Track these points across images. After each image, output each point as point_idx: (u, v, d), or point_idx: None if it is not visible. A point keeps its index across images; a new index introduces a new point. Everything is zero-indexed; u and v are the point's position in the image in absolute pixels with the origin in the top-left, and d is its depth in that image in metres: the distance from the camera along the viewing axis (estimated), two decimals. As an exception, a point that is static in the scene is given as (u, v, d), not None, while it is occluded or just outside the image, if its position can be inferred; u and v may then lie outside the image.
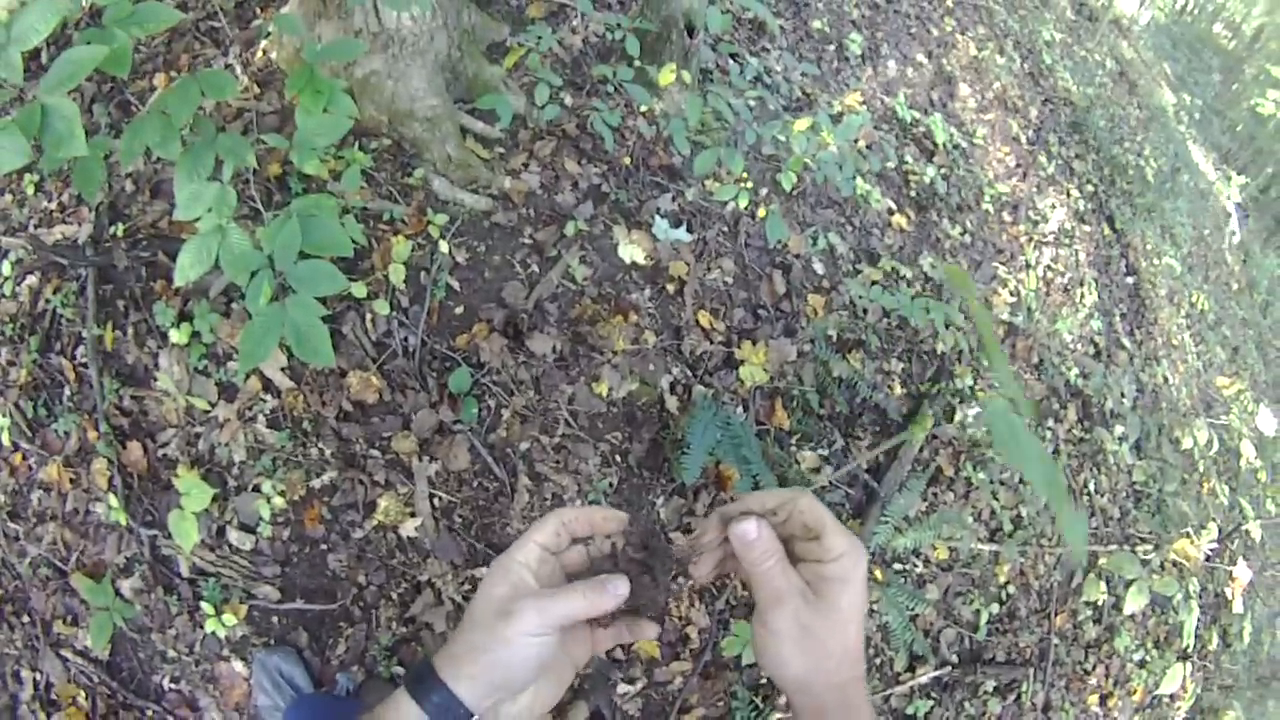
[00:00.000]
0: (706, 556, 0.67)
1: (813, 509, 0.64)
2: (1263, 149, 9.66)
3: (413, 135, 2.18)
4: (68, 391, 2.05)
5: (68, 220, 2.22)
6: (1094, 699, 3.03)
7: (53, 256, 2.12)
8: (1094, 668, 3.05)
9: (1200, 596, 3.47)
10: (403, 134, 2.19)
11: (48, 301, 2.11)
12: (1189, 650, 3.36)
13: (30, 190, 2.29)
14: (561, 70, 2.52)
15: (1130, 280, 4.29)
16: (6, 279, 2.16)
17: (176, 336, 1.99)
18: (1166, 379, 4.05)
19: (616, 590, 0.62)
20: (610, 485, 2.13)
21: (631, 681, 2.06)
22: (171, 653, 1.92)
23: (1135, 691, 3.20)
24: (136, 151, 1.44)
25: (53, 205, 2.26)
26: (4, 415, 2.06)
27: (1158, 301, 4.40)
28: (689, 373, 2.30)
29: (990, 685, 2.67)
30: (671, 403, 2.22)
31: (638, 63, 2.39)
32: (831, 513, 0.64)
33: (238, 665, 1.91)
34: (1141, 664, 3.25)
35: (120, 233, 2.13)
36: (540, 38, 2.35)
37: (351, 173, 2.03)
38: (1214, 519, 3.48)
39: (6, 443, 2.05)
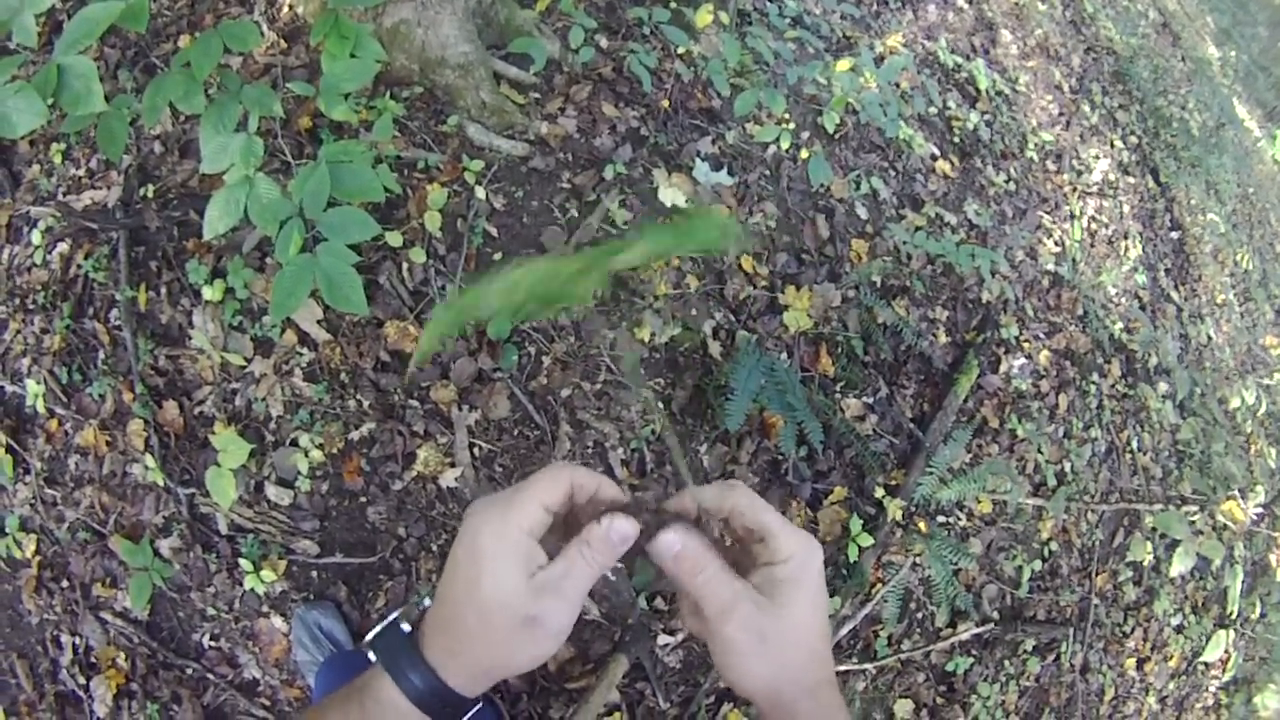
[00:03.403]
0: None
1: (753, 509, 0.57)
2: (1310, 108, 9.32)
3: (445, 83, 2.13)
4: (102, 355, 2.05)
5: (96, 185, 2.21)
6: (1131, 662, 3.00)
7: (83, 222, 2.12)
8: (1132, 630, 3.01)
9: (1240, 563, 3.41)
10: (435, 82, 2.14)
11: (79, 267, 2.11)
12: (1232, 617, 3.30)
13: (58, 159, 2.28)
14: (596, 13, 2.45)
15: (1175, 235, 4.18)
16: (37, 248, 2.16)
17: (210, 294, 1.97)
18: (1211, 337, 3.95)
19: (623, 533, 0.55)
20: (652, 432, 2.10)
21: (672, 633, 2.04)
22: (211, 611, 1.93)
23: (1172, 657, 3.16)
24: (160, 108, 1.42)
25: (80, 172, 2.25)
26: (38, 382, 2.06)
27: (1202, 258, 4.28)
28: (732, 318, 2.26)
29: (1030, 644, 2.64)
30: (714, 348, 2.18)
31: (674, 4, 2.33)
32: (774, 510, 0.57)
33: (277, 621, 1.92)
34: (1179, 629, 3.20)
35: (150, 194, 2.12)
36: (573, -19, 2.29)
37: (383, 121, 2.00)
38: (1260, 482, 3.39)
39: (42, 409, 2.06)
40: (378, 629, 0.59)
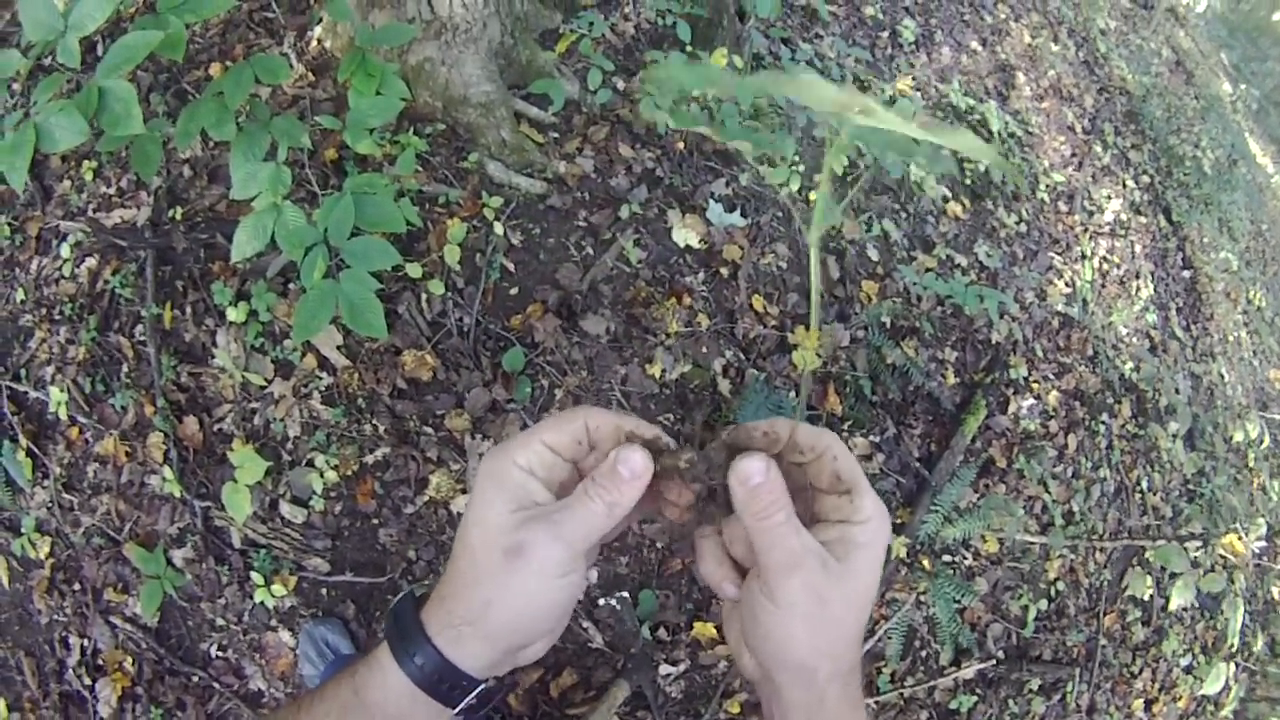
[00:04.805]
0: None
1: (846, 459, 0.51)
2: (1323, 144, 9.29)
3: (467, 120, 2.19)
4: (125, 368, 2.09)
5: (126, 204, 2.26)
6: (1139, 704, 2.96)
7: (112, 239, 2.17)
8: (1140, 671, 2.98)
9: (1249, 601, 3.38)
10: (457, 119, 2.20)
11: (106, 282, 2.15)
12: (1234, 649, 3.28)
13: (89, 176, 2.33)
14: (613, 56, 2.51)
15: (1187, 274, 4.18)
16: (66, 261, 2.21)
17: (234, 315, 2.02)
18: (1223, 375, 3.94)
19: (632, 467, 0.48)
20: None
21: (675, 663, 2.06)
22: (220, 621, 1.96)
23: (1181, 698, 3.13)
24: (192, 133, 1.47)
25: (111, 190, 2.30)
26: (62, 390, 2.10)
27: (1214, 297, 4.27)
28: (742, 356, 2.29)
29: (1035, 684, 2.62)
30: (724, 385, 2.21)
31: (689, 48, 2.38)
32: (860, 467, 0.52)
33: (285, 635, 1.95)
34: (1188, 670, 3.17)
35: (178, 216, 2.16)
36: (592, 24, 2.36)
37: (406, 156, 2.05)
38: (1262, 516, 3.38)
39: (64, 417, 2.10)
40: (396, 599, 0.55)
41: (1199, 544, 2.99)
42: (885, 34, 3.45)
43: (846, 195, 2.57)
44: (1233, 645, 3.19)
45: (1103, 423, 3.04)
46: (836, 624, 0.49)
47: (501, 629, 0.49)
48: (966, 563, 2.51)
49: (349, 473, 1.97)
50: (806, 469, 0.52)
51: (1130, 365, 3.28)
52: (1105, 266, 3.64)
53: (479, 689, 0.50)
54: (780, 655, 0.50)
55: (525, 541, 0.47)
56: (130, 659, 1.97)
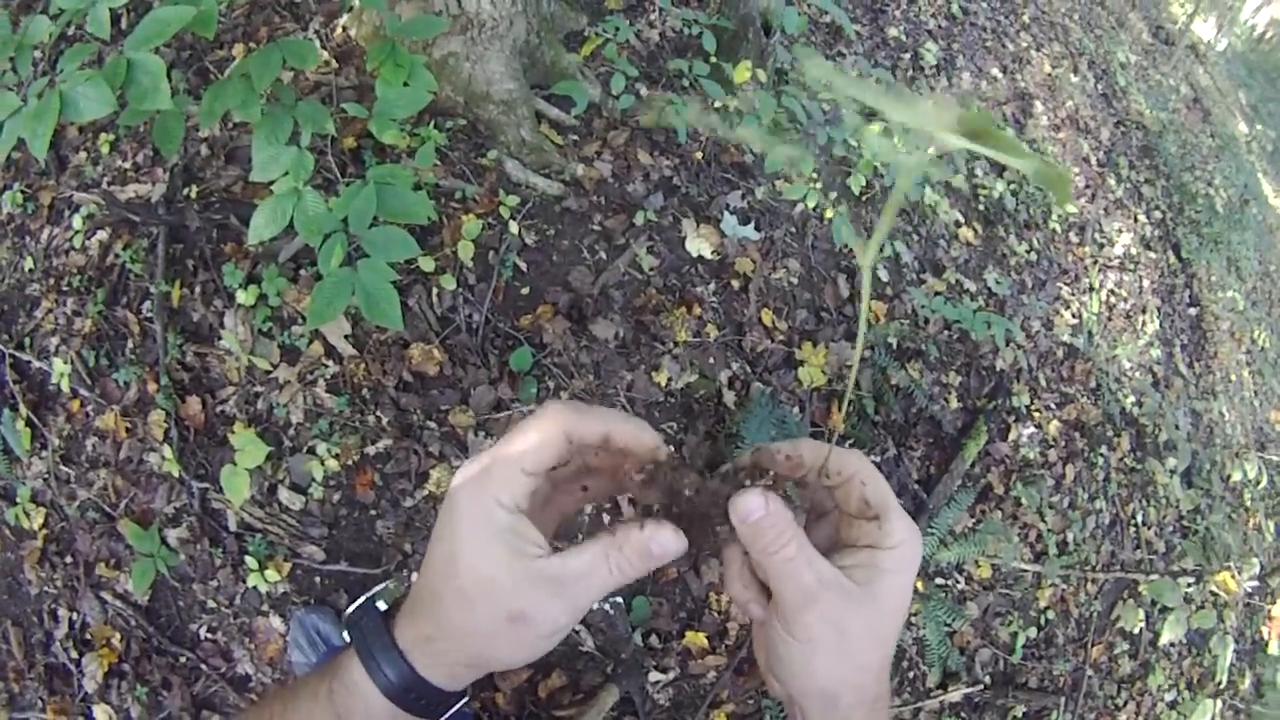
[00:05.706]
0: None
1: (876, 483, 0.49)
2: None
3: (488, 117, 2.19)
4: (131, 344, 2.08)
5: (141, 180, 2.26)
6: (1121, 736, 2.97)
7: (125, 213, 2.16)
8: (1125, 704, 2.99)
9: (1238, 640, 3.39)
10: (478, 115, 2.20)
11: (117, 256, 2.15)
12: (1221, 685, 3.28)
13: (105, 149, 2.32)
14: (638, 62, 2.52)
15: (1193, 311, 4.19)
16: (77, 232, 2.20)
17: (243, 298, 2.02)
18: (1223, 414, 3.95)
19: (664, 547, 0.46)
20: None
21: (664, 671, 2.06)
22: (211, 603, 1.96)
23: (1163, 733, 3.13)
24: (217, 113, 1.46)
25: (127, 164, 2.30)
26: (65, 362, 2.10)
27: (1219, 335, 4.28)
28: (748, 369, 2.29)
29: (1020, 711, 2.63)
30: (729, 397, 2.21)
31: (714, 59, 2.39)
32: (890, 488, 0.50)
33: (276, 621, 1.94)
34: (1172, 705, 3.17)
35: (193, 195, 2.16)
36: (618, 29, 2.37)
37: (426, 149, 2.05)
38: (1256, 555, 3.39)
39: (66, 389, 2.09)
40: (354, 606, 0.54)
41: (1191, 580, 2.99)
42: (907, 55, 3.46)
43: (863, 214, 2.58)
44: (1220, 683, 3.20)
45: (1102, 455, 3.05)
46: (858, 654, 0.48)
47: (491, 668, 0.50)
48: (959, 587, 2.51)
49: (350, 462, 1.97)
50: (834, 493, 0.51)
51: (1132, 399, 3.29)
52: (1112, 299, 3.65)
53: (462, 701, 0.52)
54: (801, 685, 0.49)
55: (534, 610, 0.46)
56: (119, 635, 1.97)
